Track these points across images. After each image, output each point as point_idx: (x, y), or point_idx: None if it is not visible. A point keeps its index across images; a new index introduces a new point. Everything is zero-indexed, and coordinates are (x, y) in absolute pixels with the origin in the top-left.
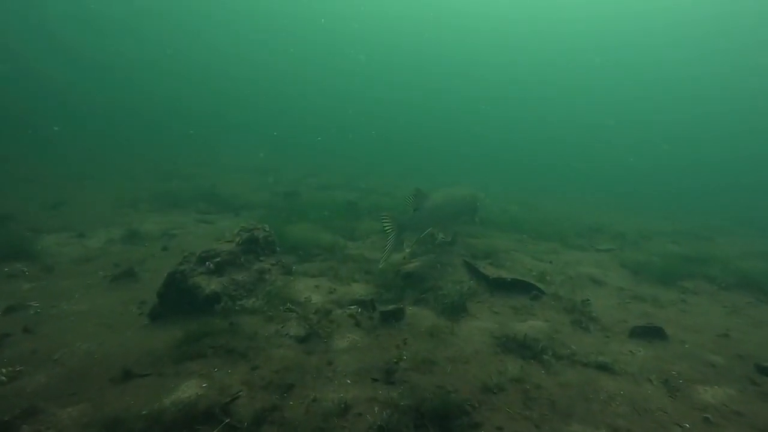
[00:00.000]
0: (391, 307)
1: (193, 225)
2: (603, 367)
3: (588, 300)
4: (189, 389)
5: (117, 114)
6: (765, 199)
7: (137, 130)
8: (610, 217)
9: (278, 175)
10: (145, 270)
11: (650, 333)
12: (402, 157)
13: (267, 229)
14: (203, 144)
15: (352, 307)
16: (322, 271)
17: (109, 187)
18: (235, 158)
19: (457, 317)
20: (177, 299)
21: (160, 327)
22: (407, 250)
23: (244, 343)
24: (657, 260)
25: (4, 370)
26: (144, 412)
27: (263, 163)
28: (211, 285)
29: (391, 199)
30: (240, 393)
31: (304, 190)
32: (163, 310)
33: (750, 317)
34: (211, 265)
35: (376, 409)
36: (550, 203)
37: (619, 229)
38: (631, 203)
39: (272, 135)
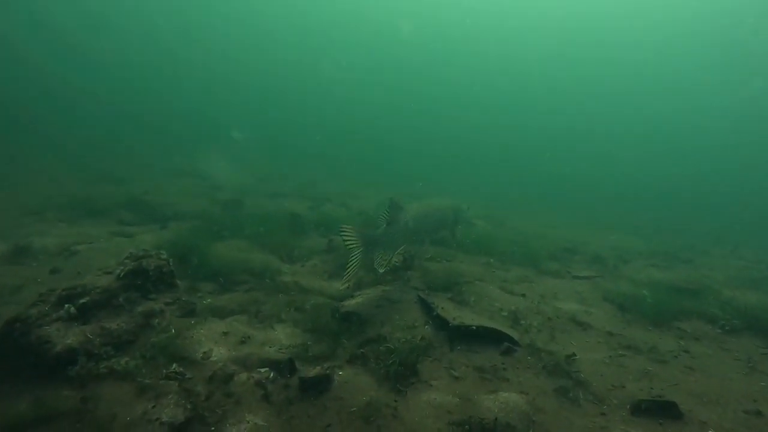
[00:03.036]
0: (314, 372)
1: (106, 239)
2: None
3: (574, 355)
4: None
5: (55, 110)
6: (729, 214)
7: (74, 127)
8: (581, 234)
9: (227, 180)
10: (14, 302)
11: (660, 409)
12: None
13: (163, 257)
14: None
15: (263, 370)
16: (243, 306)
17: (22, 190)
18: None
19: (405, 385)
20: (17, 359)
21: None
22: (380, 271)
23: None
24: (644, 293)
25: None
26: None
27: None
28: (68, 338)
29: (347, 210)
30: None
31: (251, 198)
32: None
33: None
34: (73, 309)
35: None
36: (518, 216)
37: (594, 249)
38: (597, 215)
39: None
